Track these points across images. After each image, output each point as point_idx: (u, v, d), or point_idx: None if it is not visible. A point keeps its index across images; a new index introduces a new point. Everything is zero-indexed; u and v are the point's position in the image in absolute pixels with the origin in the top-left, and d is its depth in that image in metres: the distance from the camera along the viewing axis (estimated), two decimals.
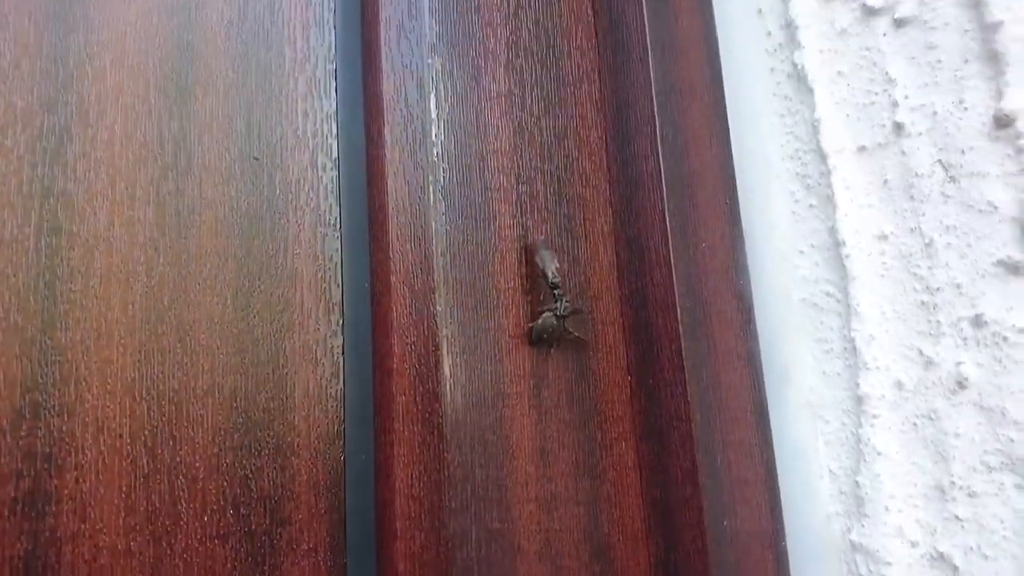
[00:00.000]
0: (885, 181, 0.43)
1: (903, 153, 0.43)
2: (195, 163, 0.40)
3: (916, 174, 0.42)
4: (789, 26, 0.48)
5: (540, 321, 0.43)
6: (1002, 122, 0.39)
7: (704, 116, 0.49)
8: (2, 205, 0.36)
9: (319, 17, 0.45)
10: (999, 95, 0.39)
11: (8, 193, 0.36)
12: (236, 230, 0.41)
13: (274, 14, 0.44)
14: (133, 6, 0.41)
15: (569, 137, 0.48)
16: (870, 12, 0.45)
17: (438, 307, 0.41)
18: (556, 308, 0.43)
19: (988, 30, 0.39)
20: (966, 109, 0.40)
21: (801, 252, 0.47)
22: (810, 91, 0.47)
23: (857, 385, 0.44)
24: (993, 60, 0.39)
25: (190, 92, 0.41)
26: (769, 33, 0.50)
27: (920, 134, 0.42)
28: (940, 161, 0.41)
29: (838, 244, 0.45)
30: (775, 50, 0.50)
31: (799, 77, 0.48)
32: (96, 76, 0.39)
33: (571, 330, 0.44)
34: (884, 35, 0.44)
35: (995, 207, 0.39)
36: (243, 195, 0.41)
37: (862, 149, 0.44)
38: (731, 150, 0.49)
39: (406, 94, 0.43)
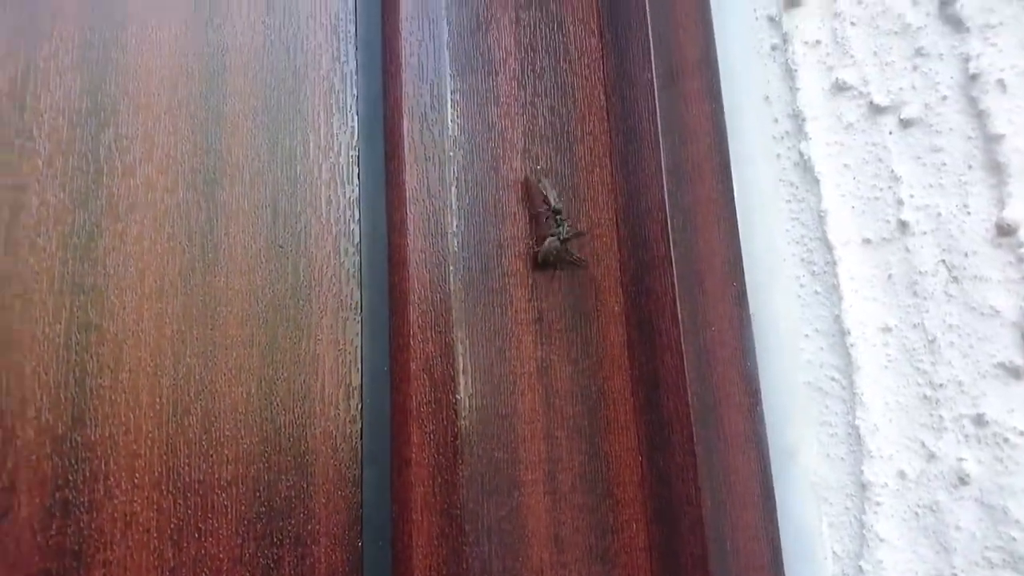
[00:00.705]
0: (889, 276, 0.45)
1: (907, 250, 0.44)
2: (222, 254, 0.41)
3: (920, 272, 0.43)
4: (796, 116, 0.50)
5: (545, 244, 0.46)
6: (1004, 230, 0.40)
7: (712, 201, 0.50)
8: (35, 302, 0.36)
9: (342, 103, 0.46)
10: (1002, 204, 0.40)
11: (41, 291, 0.37)
12: (261, 319, 0.41)
13: (299, 101, 0.45)
14: (163, 98, 0.41)
15: (582, 220, 0.50)
16: (876, 110, 0.46)
17: (458, 395, 0.42)
18: (559, 232, 0.46)
19: (991, 140, 0.41)
20: (969, 214, 0.42)
21: (806, 336, 0.49)
22: (816, 181, 0.48)
23: (861, 471, 0.45)
24: (996, 170, 0.41)
25: (217, 183, 0.42)
26: (776, 120, 0.52)
27: (924, 233, 0.44)
28: (944, 261, 0.43)
29: (843, 332, 0.46)
30: (782, 137, 0.51)
31: (805, 167, 0.49)
32: (126, 171, 0.40)
33: (573, 252, 0.47)
34: (890, 133, 0.46)
35: (997, 311, 0.40)
36: (268, 284, 0.42)
37: (867, 242, 0.46)
38: (739, 234, 0.50)
39: (428, 185, 0.44)
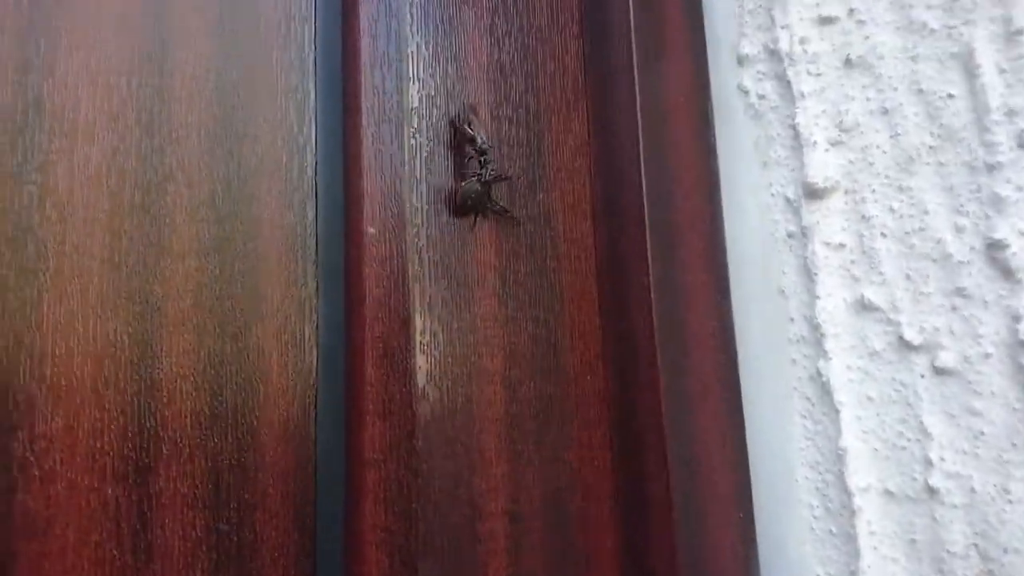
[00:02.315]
0: (913, 540, 0.40)
1: (935, 520, 0.39)
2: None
3: (948, 550, 0.38)
4: (815, 327, 0.44)
5: (464, 185, 0.41)
6: None
7: (717, 417, 0.45)
8: None
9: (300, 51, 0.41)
10: None
11: None
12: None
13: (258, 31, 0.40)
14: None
15: (570, 464, 0.45)
16: (907, 346, 0.40)
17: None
18: (481, 174, 0.41)
19: None
20: (1011, 502, 0.36)
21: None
22: (836, 410, 0.43)
23: None
24: None
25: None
26: (792, 319, 0.46)
27: (955, 507, 0.38)
28: (976, 547, 0.37)
29: None
30: (798, 341, 0.45)
31: (824, 388, 0.43)
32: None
33: (496, 200, 0.43)
34: (922, 377, 0.40)
35: None
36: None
37: (890, 494, 0.41)
38: (747, 457, 0.45)
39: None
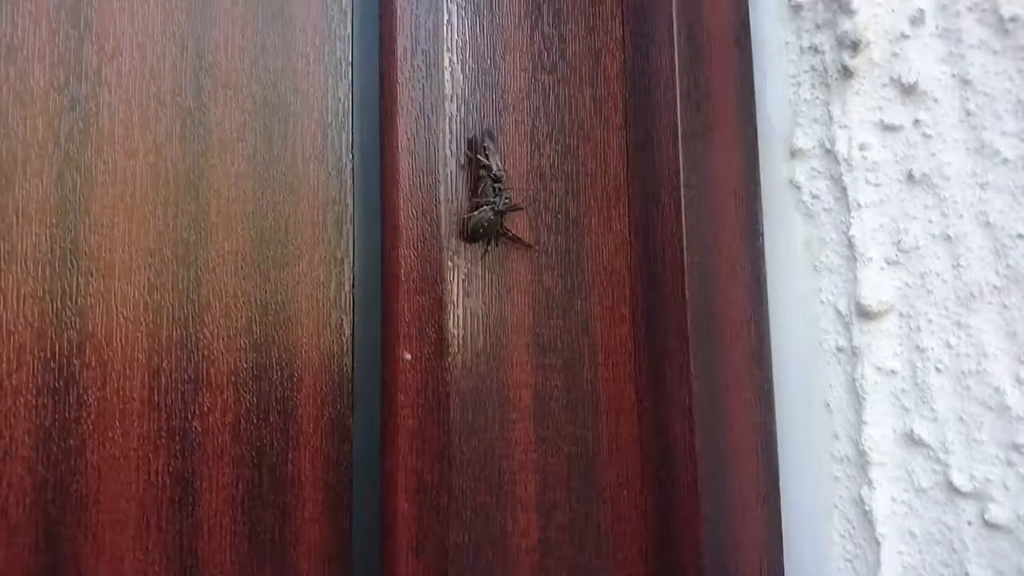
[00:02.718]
0: None
1: None
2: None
3: None
4: (860, 451, 0.43)
5: (477, 214, 0.41)
6: None
7: (756, 534, 0.44)
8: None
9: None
10: None
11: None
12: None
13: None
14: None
15: None
16: (955, 491, 0.39)
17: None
18: (495, 203, 0.41)
19: None
20: None
21: None
22: (876, 542, 0.42)
23: None
24: None
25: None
26: (836, 436, 0.44)
27: None
28: None
29: None
30: (841, 460, 0.44)
31: (865, 517, 0.42)
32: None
33: (508, 228, 0.42)
34: (969, 524, 0.38)
35: None
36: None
37: None
38: (784, 573, 0.45)
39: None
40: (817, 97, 0.46)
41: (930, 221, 0.41)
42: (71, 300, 0.36)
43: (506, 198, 0.42)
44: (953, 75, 0.40)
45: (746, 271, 0.46)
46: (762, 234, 0.47)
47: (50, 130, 0.36)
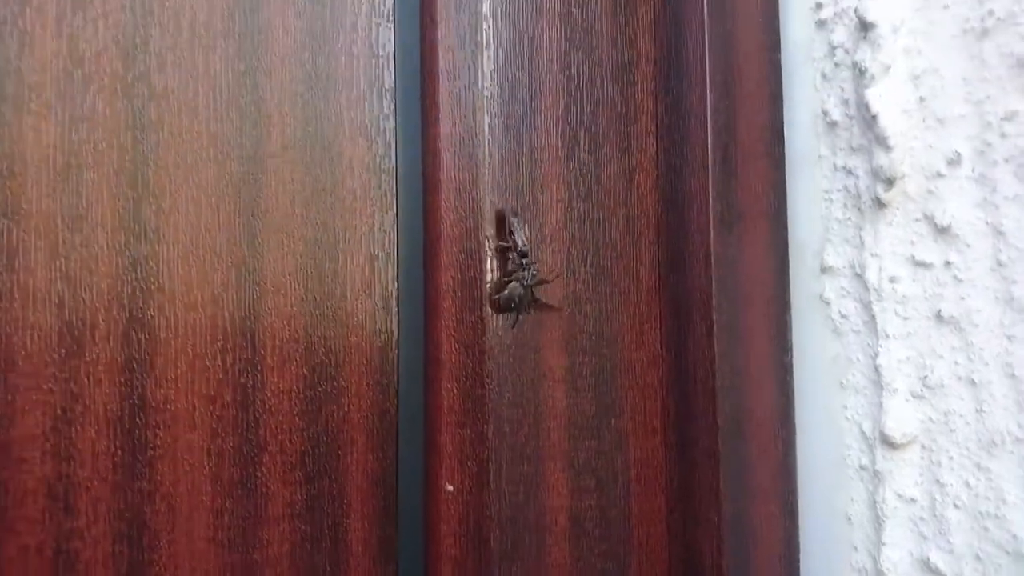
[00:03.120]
0: None
1: None
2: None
3: None
4: (877, 568, 0.45)
5: (507, 290, 0.43)
6: None
7: None
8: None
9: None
10: None
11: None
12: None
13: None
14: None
15: None
16: None
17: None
18: (524, 278, 0.43)
19: None
20: None
21: None
22: None
23: None
24: None
25: None
26: (856, 548, 0.47)
27: None
28: None
29: None
30: (860, 571, 0.46)
31: None
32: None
33: (539, 298, 0.44)
34: None
35: None
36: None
37: None
38: None
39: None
40: (849, 218, 0.47)
41: (956, 363, 0.42)
42: (141, 453, 0.38)
43: (534, 272, 0.44)
44: (987, 223, 0.41)
45: (774, 388, 0.48)
46: (791, 349, 0.48)
47: (114, 292, 0.38)
